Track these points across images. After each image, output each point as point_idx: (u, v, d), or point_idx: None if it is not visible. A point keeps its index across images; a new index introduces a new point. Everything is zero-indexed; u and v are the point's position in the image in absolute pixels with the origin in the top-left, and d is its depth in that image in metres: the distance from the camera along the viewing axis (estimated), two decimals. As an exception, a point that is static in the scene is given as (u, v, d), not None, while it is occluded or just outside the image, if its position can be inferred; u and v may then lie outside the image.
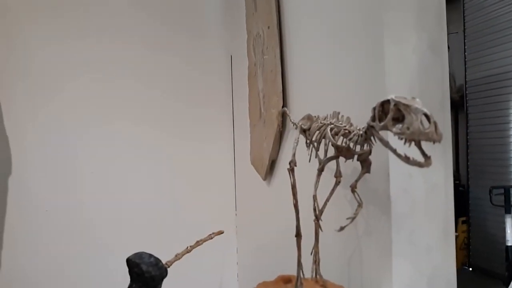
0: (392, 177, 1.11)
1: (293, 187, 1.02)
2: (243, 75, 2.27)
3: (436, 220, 1.16)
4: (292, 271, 1.24)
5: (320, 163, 1.01)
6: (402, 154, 0.66)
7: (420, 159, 0.63)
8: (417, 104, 0.61)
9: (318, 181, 0.98)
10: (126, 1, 2.32)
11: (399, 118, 0.63)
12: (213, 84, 2.48)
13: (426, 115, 0.60)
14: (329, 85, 1.42)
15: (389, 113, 0.65)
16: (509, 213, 3.74)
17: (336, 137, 0.93)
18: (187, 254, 1.47)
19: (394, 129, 0.64)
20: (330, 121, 0.97)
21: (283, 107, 1.71)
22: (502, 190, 3.79)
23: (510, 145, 4.28)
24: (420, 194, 1.14)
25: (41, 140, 2.15)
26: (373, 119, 0.71)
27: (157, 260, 1.14)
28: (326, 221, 1.23)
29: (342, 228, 1.03)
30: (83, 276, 2.16)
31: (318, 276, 1.17)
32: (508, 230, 3.71)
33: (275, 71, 1.74)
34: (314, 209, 1.01)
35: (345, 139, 0.91)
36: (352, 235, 1.28)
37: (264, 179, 1.97)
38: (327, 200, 1.12)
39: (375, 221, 1.17)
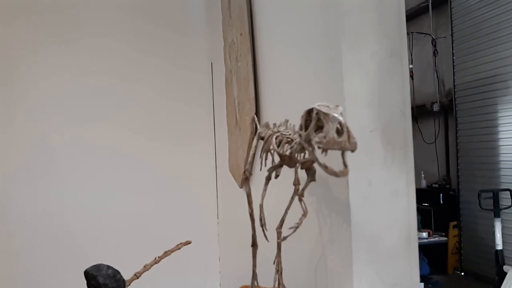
0: (351, 185, 1.10)
1: (248, 195, 1.00)
2: (223, 82, 2.27)
3: (398, 227, 1.14)
4: (287, 281, 1.21)
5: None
6: (322, 162, 0.65)
7: (341, 168, 0.62)
8: (336, 112, 0.60)
9: (265, 190, 0.97)
10: (110, 6, 2.30)
11: (323, 127, 0.63)
12: (194, 91, 2.47)
13: (340, 124, 0.59)
14: (295, 92, 1.41)
15: (312, 122, 0.64)
16: (498, 217, 3.72)
17: (281, 145, 0.92)
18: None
19: (315, 139, 0.63)
20: (278, 129, 0.96)
21: (256, 114, 1.70)
22: (491, 194, 3.76)
23: (499, 149, 4.27)
24: (381, 201, 1.13)
25: (18, 149, 2.14)
26: (301, 127, 0.70)
27: (115, 272, 1.12)
28: (287, 230, 1.22)
29: (284, 238, 1.01)
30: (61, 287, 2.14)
31: (281, 286, 1.15)
32: (497, 234, 3.69)
33: (248, 78, 1.74)
34: (261, 219, 0.99)
35: (287, 148, 0.90)
36: (318, 244, 1.27)
37: (241, 187, 1.96)
38: (287, 208, 1.11)
39: (337, 229, 1.16)
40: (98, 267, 1.12)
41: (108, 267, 1.13)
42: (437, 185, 4.97)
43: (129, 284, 1.34)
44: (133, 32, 2.36)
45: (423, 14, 5.11)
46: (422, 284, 4.17)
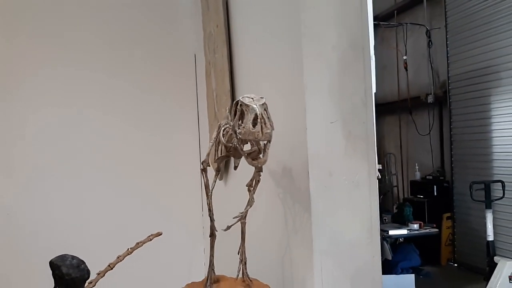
0: (311, 175, 1.10)
1: (206, 187, 1.01)
2: (204, 74, 2.26)
3: (360, 217, 1.15)
4: (255, 271, 1.22)
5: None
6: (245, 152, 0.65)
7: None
8: (256, 104, 0.61)
9: (215, 181, 0.97)
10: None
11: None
12: (178, 83, 2.46)
13: (256, 115, 0.59)
14: (266, 84, 1.41)
15: (236, 113, 0.65)
16: (490, 208, 3.72)
17: (227, 136, 0.92)
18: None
19: (237, 130, 0.64)
20: (227, 121, 0.97)
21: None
22: (482, 185, 3.76)
23: (492, 140, 4.26)
24: (342, 192, 1.13)
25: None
26: (230, 118, 0.71)
27: (80, 262, 1.13)
28: (257, 220, 1.23)
29: (228, 227, 1.02)
30: (45, 279, 2.15)
31: (244, 276, 1.16)
32: (488, 226, 3.70)
33: (224, 70, 1.74)
34: (209, 209, 1.00)
35: (233, 139, 0.90)
36: (283, 234, 1.28)
37: (220, 179, 1.96)
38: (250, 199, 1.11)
39: (300, 220, 1.17)
40: (62, 257, 1.13)
41: (73, 257, 1.14)
42: (431, 177, 4.97)
43: (104, 275, 1.36)
44: (116, 20, 2.34)
45: (417, 5, 5.07)
46: (413, 275, 4.13)
